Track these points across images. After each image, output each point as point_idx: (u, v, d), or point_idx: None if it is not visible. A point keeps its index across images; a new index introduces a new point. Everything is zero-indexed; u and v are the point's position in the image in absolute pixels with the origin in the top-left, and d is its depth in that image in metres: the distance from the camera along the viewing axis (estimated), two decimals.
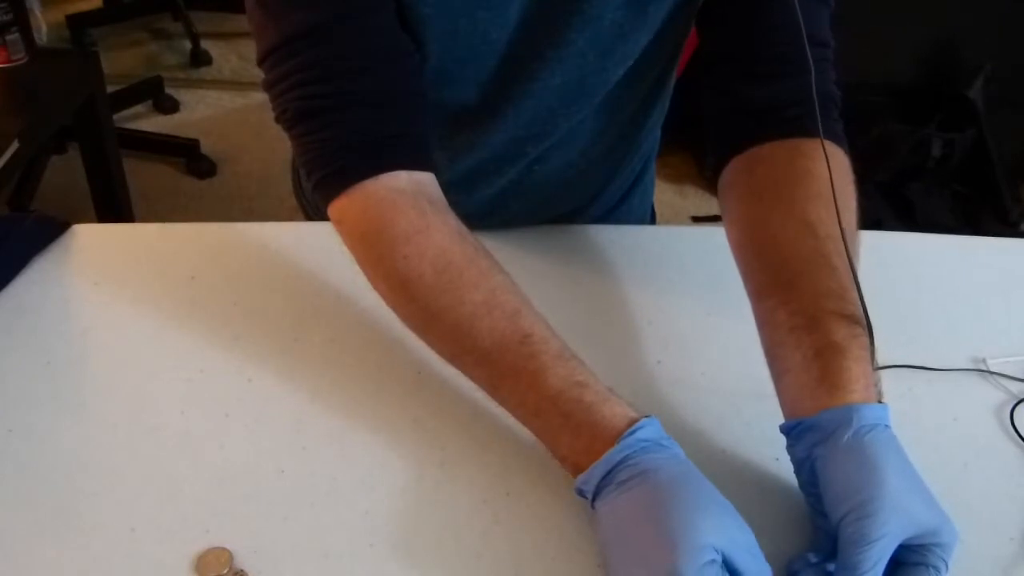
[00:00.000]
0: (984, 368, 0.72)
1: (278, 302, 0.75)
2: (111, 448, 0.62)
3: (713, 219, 2.32)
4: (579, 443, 0.55)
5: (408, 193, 0.63)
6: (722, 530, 0.50)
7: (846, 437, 0.54)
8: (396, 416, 0.65)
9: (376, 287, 0.65)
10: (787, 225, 0.63)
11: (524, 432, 0.60)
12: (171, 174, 2.48)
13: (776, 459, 0.62)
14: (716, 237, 0.71)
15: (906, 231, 0.91)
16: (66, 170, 2.33)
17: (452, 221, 0.64)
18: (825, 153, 0.62)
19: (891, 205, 2.25)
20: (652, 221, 1.05)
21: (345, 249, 0.65)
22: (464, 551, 0.56)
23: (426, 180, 0.65)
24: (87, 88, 1.82)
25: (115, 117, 2.13)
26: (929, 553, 0.52)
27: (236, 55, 3.09)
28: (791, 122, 0.66)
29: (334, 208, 0.64)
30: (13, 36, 1.73)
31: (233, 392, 0.67)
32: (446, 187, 0.67)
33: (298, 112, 0.64)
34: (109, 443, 0.62)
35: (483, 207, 0.84)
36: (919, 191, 2.27)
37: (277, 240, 0.82)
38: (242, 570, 0.54)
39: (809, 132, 0.64)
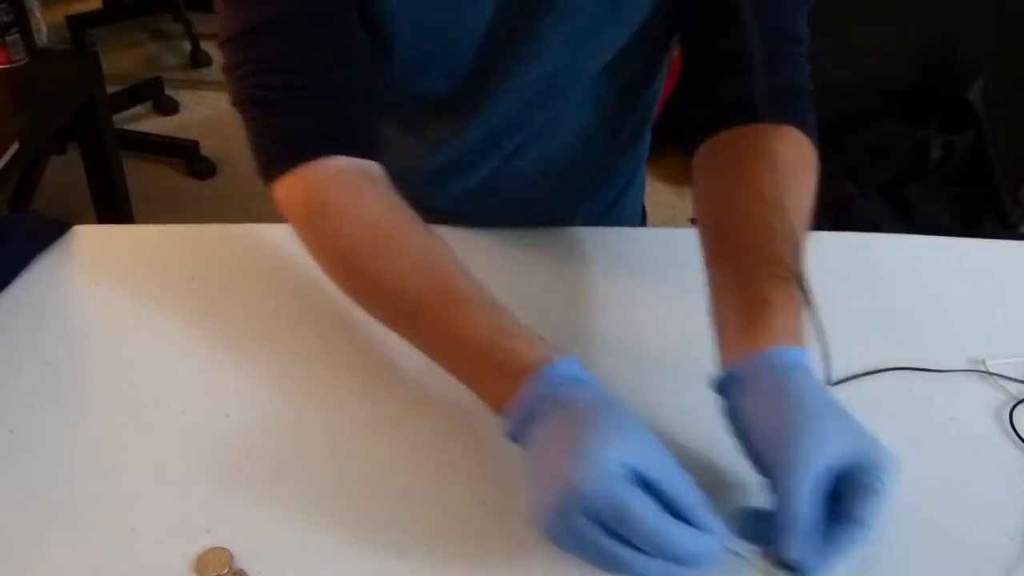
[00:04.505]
0: (983, 369, 0.72)
1: (278, 302, 0.75)
2: (111, 448, 0.62)
3: None
4: (505, 387, 0.56)
5: (347, 171, 0.65)
6: (634, 447, 0.50)
7: (766, 380, 0.55)
8: (396, 416, 0.65)
9: (317, 260, 0.66)
10: (740, 197, 0.66)
11: None
12: (171, 175, 2.48)
13: None
14: None
15: (905, 233, 0.90)
16: (66, 170, 2.33)
17: (387, 194, 0.65)
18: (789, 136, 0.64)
19: (890, 207, 2.25)
20: (643, 223, 1.06)
21: None
22: (464, 551, 0.57)
23: (371, 166, 0.67)
24: (87, 89, 1.82)
25: (115, 118, 2.13)
26: (863, 474, 0.51)
27: None
28: (761, 109, 0.68)
29: (278, 190, 0.66)
30: (13, 37, 1.74)
31: (233, 392, 0.67)
32: (422, 180, 0.68)
33: (251, 99, 0.66)
34: (109, 443, 0.62)
35: (460, 202, 0.85)
36: (918, 192, 2.27)
37: (277, 240, 0.82)
38: (242, 570, 0.54)
39: (777, 119, 0.67)
